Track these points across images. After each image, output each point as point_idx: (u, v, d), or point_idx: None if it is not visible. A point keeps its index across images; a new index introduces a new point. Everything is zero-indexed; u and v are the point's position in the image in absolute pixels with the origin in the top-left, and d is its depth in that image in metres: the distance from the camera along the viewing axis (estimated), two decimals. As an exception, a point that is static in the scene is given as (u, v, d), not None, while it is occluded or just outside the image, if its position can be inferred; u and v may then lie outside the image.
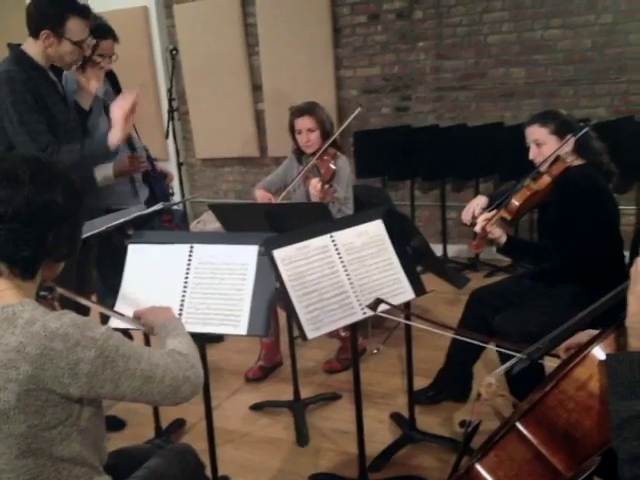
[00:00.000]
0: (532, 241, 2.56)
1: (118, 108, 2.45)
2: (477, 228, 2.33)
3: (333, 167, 3.00)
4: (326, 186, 2.90)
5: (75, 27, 2.37)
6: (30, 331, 1.15)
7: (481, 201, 2.52)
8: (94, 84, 2.69)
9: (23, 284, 1.24)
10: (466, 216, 2.50)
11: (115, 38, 2.86)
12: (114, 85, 3.06)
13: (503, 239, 2.31)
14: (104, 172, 2.81)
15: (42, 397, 1.16)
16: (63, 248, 1.27)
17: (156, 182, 3.08)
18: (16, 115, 2.28)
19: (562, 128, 2.34)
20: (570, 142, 2.32)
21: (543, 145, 2.35)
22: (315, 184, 2.88)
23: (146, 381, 1.25)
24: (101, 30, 2.79)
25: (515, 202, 2.32)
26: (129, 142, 2.90)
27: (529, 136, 2.40)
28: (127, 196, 2.98)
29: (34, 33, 2.39)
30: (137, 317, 1.60)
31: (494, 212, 2.34)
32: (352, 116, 3.07)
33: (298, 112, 3.06)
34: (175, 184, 3.87)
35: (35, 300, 1.25)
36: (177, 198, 4.21)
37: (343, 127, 3.18)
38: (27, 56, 2.38)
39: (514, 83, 4.39)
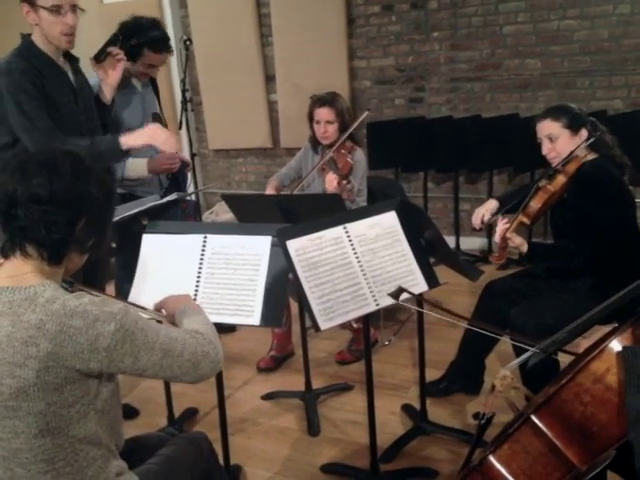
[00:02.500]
0: (552, 243, 2.53)
1: (152, 136, 2.41)
2: (496, 237, 2.30)
3: (351, 161, 2.95)
4: (343, 182, 2.85)
5: None
6: (50, 309, 1.18)
7: (491, 205, 2.51)
8: (112, 75, 2.66)
9: (48, 270, 1.27)
10: (476, 221, 2.49)
11: (170, 51, 2.97)
12: (155, 89, 3.16)
13: (525, 248, 2.28)
14: (139, 169, 2.92)
15: (61, 374, 1.18)
16: (90, 239, 1.30)
17: (178, 170, 3.13)
18: (15, 104, 2.27)
19: (574, 122, 2.32)
20: (583, 143, 2.29)
21: (557, 139, 2.33)
22: (332, 180, 2.84)
23: (165, 355, 1.28)
24: (160, 44, 2.89)
25: (534, 205, 2.29)
26: None
27: (541, 131, 2.37)
28: (153, 185, 3.08)
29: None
30: (158, 309, 1.62)
31: (511, 218, 2.31)
32: (361, 118, 3.00)
33: (319, 102, 2.99)
34: (188, 175, 3.90)
35: None
36: (190, 189, 4.22)
37: (354, 127, 3.11)
38: (34, 45, 2.35)
39: (529, 74, 4.34)
